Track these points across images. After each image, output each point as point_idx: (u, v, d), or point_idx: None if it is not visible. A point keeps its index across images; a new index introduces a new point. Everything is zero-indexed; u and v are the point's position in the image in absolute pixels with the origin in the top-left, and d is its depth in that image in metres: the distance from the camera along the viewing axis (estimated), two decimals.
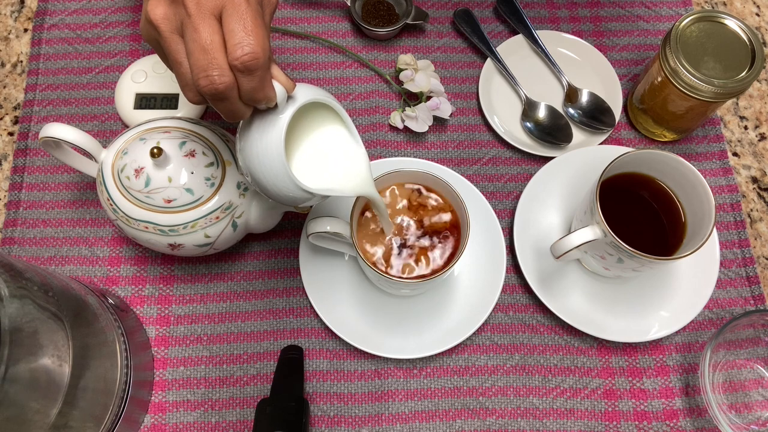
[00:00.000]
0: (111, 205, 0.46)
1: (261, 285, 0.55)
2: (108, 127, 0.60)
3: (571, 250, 0.47)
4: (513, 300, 0.55)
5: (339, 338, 0.52)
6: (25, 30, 0.64)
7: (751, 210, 0.58)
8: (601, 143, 0.59)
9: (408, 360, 0.52)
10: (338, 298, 0.53)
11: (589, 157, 0.56)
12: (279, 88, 0.36)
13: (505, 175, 0.59)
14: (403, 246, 0.48)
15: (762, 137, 0.61)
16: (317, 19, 0.65)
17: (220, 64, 0.32)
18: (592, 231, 0.46)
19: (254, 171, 0.38)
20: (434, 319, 0.52)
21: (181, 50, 0.33)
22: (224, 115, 0.36)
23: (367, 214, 0.49)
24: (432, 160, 0.57)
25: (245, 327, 0.53)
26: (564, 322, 0.52)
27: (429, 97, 0.59)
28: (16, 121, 0.60)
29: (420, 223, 0.49)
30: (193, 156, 0.46)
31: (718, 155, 0.60)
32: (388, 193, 0.49)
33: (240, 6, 0.32)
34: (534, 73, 0.62)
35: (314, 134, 0.42)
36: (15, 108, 0.61)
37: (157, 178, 0.45)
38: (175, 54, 0.34)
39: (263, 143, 0.37)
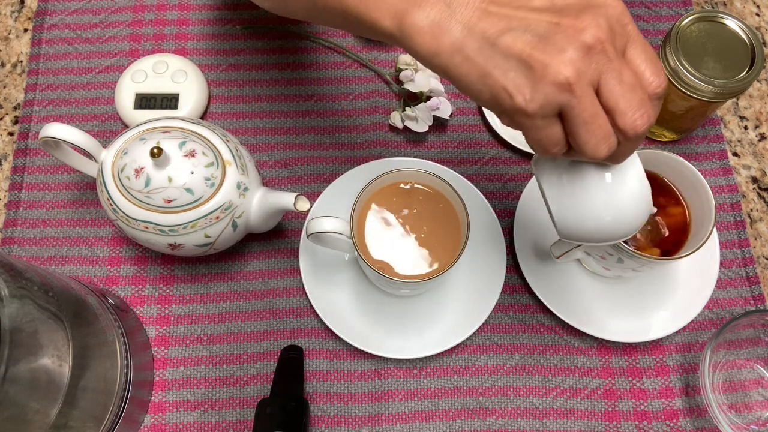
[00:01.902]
0: (111, 205, 0.46)
1: (261, 285, 0.55)
2: (108, 127, 0.60)
3: (571, 250, 0.47)
4: (513, 300, 0.55)
5: (339, 338, 0.52)
6: (25, 30, 0.64)
7: (751, 210, 0.58)
8: None
9: (408, 360, 0.52)
10: (338, 298, 0.53)
11: None
12: None
13: (505, 175, 0.59)
14: (402, 246, 0.48)
15: (762, 137, 0.61)
16: None
17: (645, 99, 0.31)
18: None
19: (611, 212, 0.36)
20: (434, 319, 0.52)
21: (596, 103, 0.31)
22: (613, 159, 0.33)
23: (368, 214, 0.49)
24: (432, 160, 0.57)
25: (245, 327, 0.53)
26: (564, 322, 0.52)
27: (429, 97, 0.59)
28: (16, 121, 0.60)
29: (420, 223, 0.49)
30: (193, 156, 0.46)
31: (718, 155, 0.60)
32: (387, 193, 0.49)
33: (638, 38, 0.32)
34: None
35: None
36: (15, 108, 0.61)
37: (157, 178, 0.45)
38: (591, 108, 0.30)
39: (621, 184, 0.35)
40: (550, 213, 0.38)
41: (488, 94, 0.31)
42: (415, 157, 0.58)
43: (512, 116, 0.32)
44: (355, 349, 0.52)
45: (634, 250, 0.44)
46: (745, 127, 0.62)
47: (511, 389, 0.52)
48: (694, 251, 0.44)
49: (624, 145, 0.32)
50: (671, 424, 0.51)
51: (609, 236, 0.37)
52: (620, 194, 0.35)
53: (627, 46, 0.31)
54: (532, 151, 0.58)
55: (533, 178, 0.56)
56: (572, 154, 0.33)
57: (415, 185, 0.50)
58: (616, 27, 0.31)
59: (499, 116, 0.33)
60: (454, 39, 0.31)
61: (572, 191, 0.36)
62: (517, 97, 0.30)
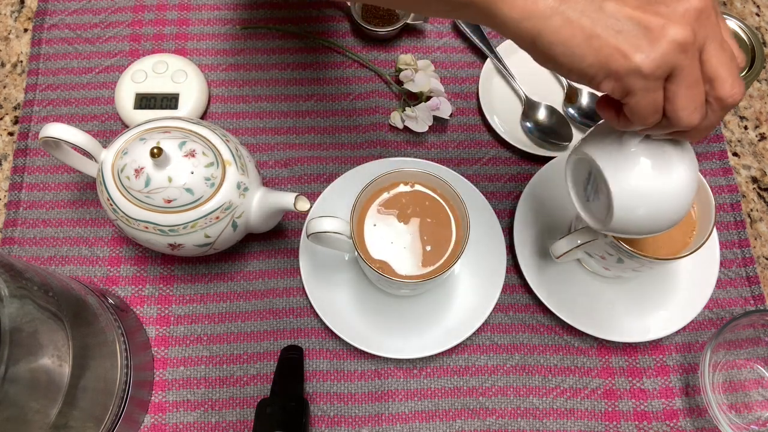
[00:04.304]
0: (111, 205, 0.46)
1: (261, 285, 0.55)
2: (108, 127, 0.60)
3: (571, 250, 0.47)
4: (513, 300, 0.55)
5: (339, 338, 0.52)
6: (25, 30, 0.64)
7: (751, 210, 0.58)
8: None
9: (408, 360, 0.52)
10: (338, 298, 0.53)
11: None
12: None
13: (505, 175, 0.59)
14: (403, 246, 0.48)
15: (762, 137, 0.61)
16: (317, 19, 0.65)
17: (738, 71, 0.32)
18: (592, 231, 0.46)
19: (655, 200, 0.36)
20: (434, 319, 0.52)
21: (699, 71, 0.31)
22: (697, 133, 0.34)
23: (368, 214, 0.49)
24: (432, 160, 0.57)
25: (245, 327, 0.53)
26: (564, 322, 0.52)
27: (429, 97, 0.59)
28: (16, 121, 0.60)
29: (420, 223, 0.49)
30: (193, 156, 0.46)
31: (718, 155, 0.60)
32: (387, 193, 0.49)
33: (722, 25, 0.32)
34: (534, 73, 0.62)
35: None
36: (15, 108, 0.61)
37: (157, 178, 0.45)
38: (697, 72, 0.31)
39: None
40: (607, 196, 0.37)
41: (593, 57, 0.30)
42: (415, 157, 0.58)
43: (624, 78, 0.31)
44: (355, 349, 0.52)
45: (634, 250, 0.44)
46: (745, 127, 0.62)
47: (511, 389, 0.52)
48: (694, 251, 0.44)
49: (711, 117, 0.32)
50: (671, 424, 0.51)
51: (659, 225, 0.37)
52: (682, 178, 0.36)
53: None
54: (532, 151, 0.58)
55: (533, 178, 0.56)
56: (659, 127, 0.33)
57: (415, 185, 0.50)
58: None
59: (598, 84, 0.32)
60: (551, 1, 0.31)
61: (640, 172, 0.36)
62: (635, 56, 0.30)
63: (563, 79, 0.61)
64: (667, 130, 0.33)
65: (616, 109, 0.34)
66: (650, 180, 0.36)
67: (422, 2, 0.38)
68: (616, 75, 0.31)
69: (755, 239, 0.57)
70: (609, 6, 0.30)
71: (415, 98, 0.60)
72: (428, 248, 0.48)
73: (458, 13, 0.35)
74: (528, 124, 0.60)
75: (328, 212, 0.54)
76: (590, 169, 0.40)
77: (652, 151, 0.36)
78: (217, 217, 0.47)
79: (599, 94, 0.61)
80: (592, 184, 0.40)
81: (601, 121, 0.38)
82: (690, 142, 0.36)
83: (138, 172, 0.45)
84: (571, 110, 0.60)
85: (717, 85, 0.31)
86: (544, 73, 0.63)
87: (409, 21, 0.62)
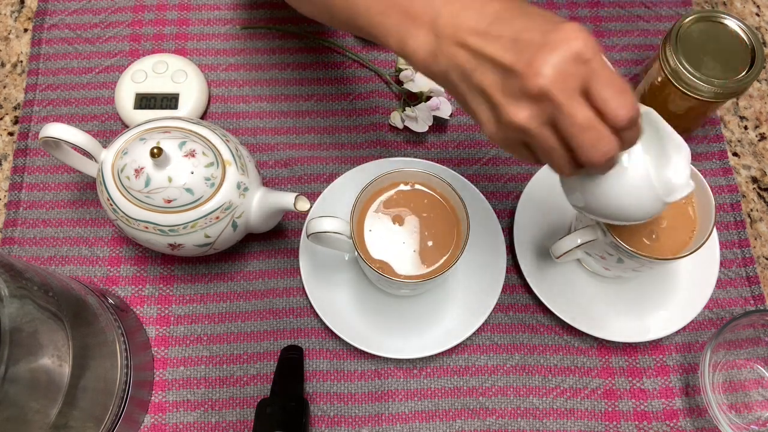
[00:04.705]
0: (111, 205, 0.46)
1: (261, 285, 0.55)
2: (108, 127, 0.60)
3: (571, 250, 0.47)
4: (513, 300, 0.55)
5: (339, 338, 0.52)
6: (25, 30, 0.64)
7: (751, 210, 0.58)
8: None
9: (408, 360, 0.52)
10: (338, 298, 0.53)
11: None
12: None
13: (505, 175, 0.59)
14: (403, 246, 0.48)
15: (762, 137, 0.61)
16: None
17: (606, 134, 0.33)
18: (592, 231, 0.46)
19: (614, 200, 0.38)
20: (434, 319, 0.52)
21: (552, 137, 0.34)
22: (601, 169, 0.35)
23: (368, 214, 0.49)
24: (432, 160, 0.57)
25: (245, 327, 0.53)
26: (564, 322, 0.52)
27: (429, 97, 0.59)
28: (16, 121, 0.60)
29: (420, 223, 0.49)
30: (193, 156, 0.46)
31: (718, 155, 0.60)
32: (387, 193, 0.49)
33: (602, 72, 0.32)
34: None
35: None
36: (15, 108, 0.61)
37: (157, 178, 0.45)
38: (549, 143, 0.34)
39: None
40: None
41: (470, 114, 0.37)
42: (415, 157, 0.58)
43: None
44: (355, 349, 0.52)
45: (635, 250, 0.44)
46: (745, 127, 0.62)
47: (511, 389, 0.52)
48: (694, 251, 0.44)
49: (624, 139, 0.34)
50: (671, 424, 0.51)
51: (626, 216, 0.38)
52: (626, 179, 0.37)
53: (589, 83, 0.32)
54: None
55: (533, 178, 0.56)
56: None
57: (415, 185, 0.50)
58: (571, 68, 0.32)
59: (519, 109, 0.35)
60: (441, 68, 0.36)
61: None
62: (483, 127, 0.36)
63: None
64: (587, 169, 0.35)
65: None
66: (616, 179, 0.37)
67: (354, 31, 0.44)
68: (502, 145, 0.37)
69: (755, 239, 0.57)
70: (475, 78, 0.35)
71: (415, 98, 0.60)
72: (428, 248, 0.48)
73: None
74: None
75: (328, 212, 0.54)
76: None
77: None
78: (217, 217, 0.47)
79: None
80: None
81: None
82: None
83: (138, 172, 0.45)
84: None
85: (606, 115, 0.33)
86: None
87: None
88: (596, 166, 0.34)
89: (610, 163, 0.34)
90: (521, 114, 0.33)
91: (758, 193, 0.59)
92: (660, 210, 0.39)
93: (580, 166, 0.35)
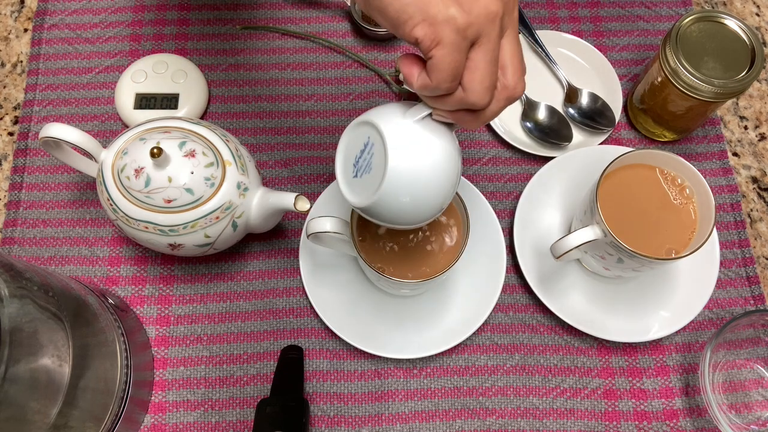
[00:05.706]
0: (111, 205, 0.46)
1: (261, 285, 0.55)
2: (108, 127, 0.60)
3: (571, 250, 0.47)
4: (513, 300, 0.55)
5: (339, 338, 0.52)
6: (25, 30, 0.64)
7: (751, 210, 0.58)
8: (601, 143, 0.59)
9: (408, 360, 0.52)
10: (338, 298, 0.53)
11: (589, 157, 0.56)
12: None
13: (505, 175, 0.59)
14: (403, 246, 0.48)
15: (762, 137, 0.61)
16: (317, 19, 0.65)
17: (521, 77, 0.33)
18: (592, 231, 0.46)
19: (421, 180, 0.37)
20: (434, 319, 0.52)
21: (498, 51, 0.33)
22: (472, 122, 0.35)
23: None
24: None
25: (245, 327, 0.53)
26: (564, 322, 0.52)
27: None
28: (16, 121, 0.60)
29: None
30: (193, 156, 0.46)
31: (718, 155, 0.60)
32: None
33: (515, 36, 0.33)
34: (534, 73, 0.62)
35: None
36: (15, 108, 0.61)
37: (157, 178, 0.45)
38: (496, 51, 0.33)
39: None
40: (383, 167, 0.37)
41: None
42: None
43: (438, 25, 0.32)
44: (355, 349, 0.52)
45: (635, 250, 0.44)
46: (745, 127, 0.62)
47: (511, 389, 0.52)
48: (694, 251, 0.44)
49: (494, 106, 0.34)
50: (671, 424, 0.51)
51: (417, 212, 0.38)
52: (447, 165, 0.36)
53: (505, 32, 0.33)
54: (532, 151, 0.58)
55: (533, 178, 0.56)
56: (449, 100, 0.34)
57: None
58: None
59: (413, 27, 0.32)
60: None
61: (417, 148, 0.36)
62: (453, 7, 0.32)
63: (563, 79, 0.61)
64: (454, 106, 0.34)
65: (419, 66, 0.34)
66: (422, 159, 0.36)
67: None
68: (432, 20, 0.31)
69: (755, 239, 0.57)
70: None
71: (416, 98, 0.60)
72: (428, 248, 0.48)
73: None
74: (528, 124, 0.60)
75: (328, 212, 0.54)
76: (366, 141, 0.39)
77: (431, 129, 0.36)
78: (217, 217, 0.47)
79: (597, 93, 0.60)
80: (365, 157, 0.39)
81: (391, 102, 0.39)
82: (468, 129, 0.36)
83: (138, 172, 0.45)
84: (571, 110, 0.60)
85: (507, 73, 0.33)
86: (544, 73, 0.63)
87: None
88: (510, 100, 0.34)
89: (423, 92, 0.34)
90: (496, 4, 0.32)
91: (758, 193, 0.59)
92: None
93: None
